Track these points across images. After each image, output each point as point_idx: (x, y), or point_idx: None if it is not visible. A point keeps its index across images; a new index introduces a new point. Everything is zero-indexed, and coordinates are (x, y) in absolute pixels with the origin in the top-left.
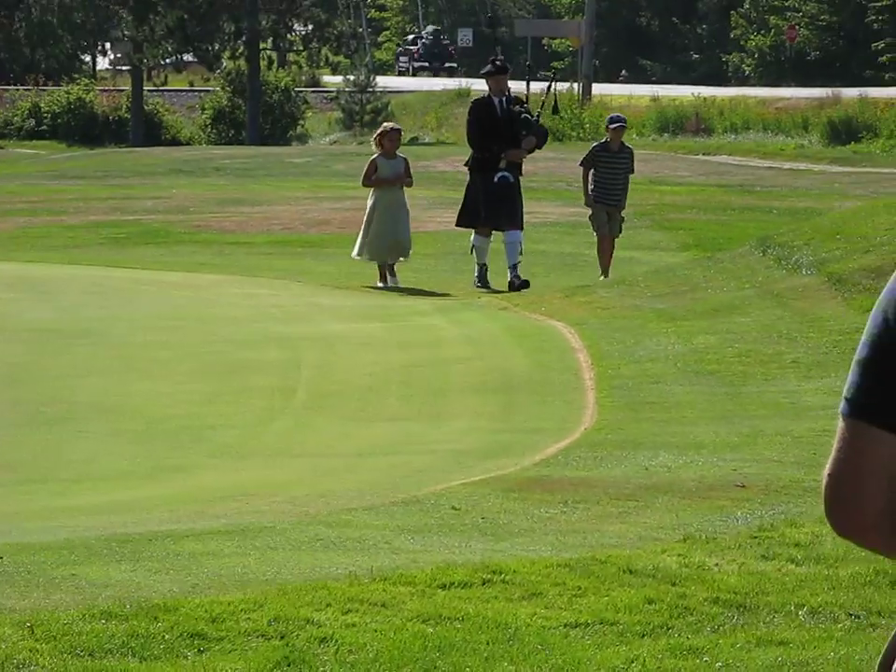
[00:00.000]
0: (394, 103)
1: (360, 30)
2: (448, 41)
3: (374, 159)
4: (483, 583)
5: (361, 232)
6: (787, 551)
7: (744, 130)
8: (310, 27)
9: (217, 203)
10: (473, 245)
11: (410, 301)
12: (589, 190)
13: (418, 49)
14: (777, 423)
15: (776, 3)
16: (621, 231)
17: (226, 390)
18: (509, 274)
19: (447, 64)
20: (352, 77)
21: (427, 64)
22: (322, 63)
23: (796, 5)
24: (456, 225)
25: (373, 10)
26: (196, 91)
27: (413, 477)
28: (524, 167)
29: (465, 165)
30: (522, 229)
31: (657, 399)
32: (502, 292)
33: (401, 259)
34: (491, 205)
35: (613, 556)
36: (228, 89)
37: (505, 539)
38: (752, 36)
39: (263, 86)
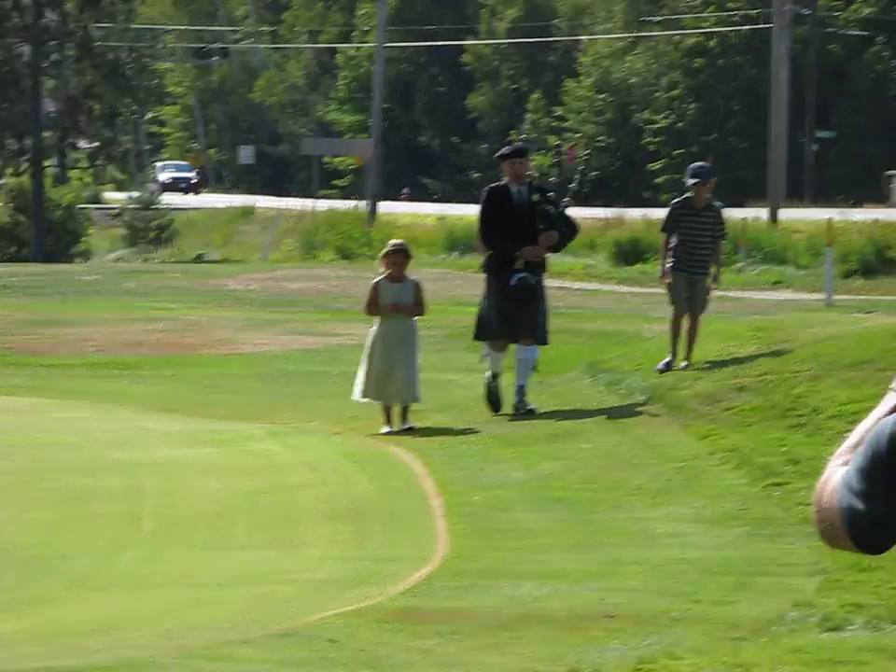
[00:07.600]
0: (179, 220)
1: (140, 146)
2: None
3: (377, 282)
4: None
5: (361, 369)
6: None
7: None
8: (95, 144)
9: (27, 324)
10: (484, 355)
11: (239, 426)
12: (667, 259)
13: None
14: (632, 551)
15: (555, 123)
16: (705, 308)
17: (71, 518)
18: (514, 396)
19: None
20: (136, 194)
21: None
22: (108, 180)
23: (575, 125)
24: (473, 339)
25: (154, 126)
26: None
27: (280, 608)
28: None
29: (480, 267)
30: (545, 343)
31: (509, 527)
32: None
33: (408, 402)
34: (504, 312)
35: None
36: (10, 205)
37: None
38: (532, 157)
39: (46, 203)
